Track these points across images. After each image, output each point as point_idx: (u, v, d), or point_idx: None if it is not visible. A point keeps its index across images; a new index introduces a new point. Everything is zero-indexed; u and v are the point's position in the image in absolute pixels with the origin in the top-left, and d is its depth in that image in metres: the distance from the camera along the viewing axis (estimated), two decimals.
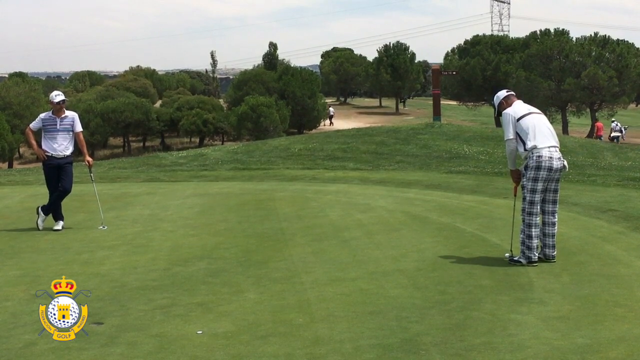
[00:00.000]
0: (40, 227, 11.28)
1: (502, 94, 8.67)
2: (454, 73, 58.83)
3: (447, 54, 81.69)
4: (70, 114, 11.45)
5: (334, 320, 6.28)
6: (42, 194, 15.44)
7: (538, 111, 8.48)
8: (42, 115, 11.49)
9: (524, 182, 8.22)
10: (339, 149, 23.48)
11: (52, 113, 11.37)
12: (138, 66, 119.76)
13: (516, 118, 8.25)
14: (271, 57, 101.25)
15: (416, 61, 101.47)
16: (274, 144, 26.22)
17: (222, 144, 66.50)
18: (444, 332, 5.88)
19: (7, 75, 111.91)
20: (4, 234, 11.03)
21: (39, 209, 11.44)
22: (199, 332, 6.08)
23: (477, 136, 26.58)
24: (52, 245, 10.02)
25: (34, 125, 11.49)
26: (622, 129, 49.95)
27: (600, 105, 67.16)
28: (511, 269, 8.01)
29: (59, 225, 11.25)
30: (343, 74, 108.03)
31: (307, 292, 7.29)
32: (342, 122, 77.23)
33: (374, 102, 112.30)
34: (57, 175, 11.33)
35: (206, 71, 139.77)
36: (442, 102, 34.72)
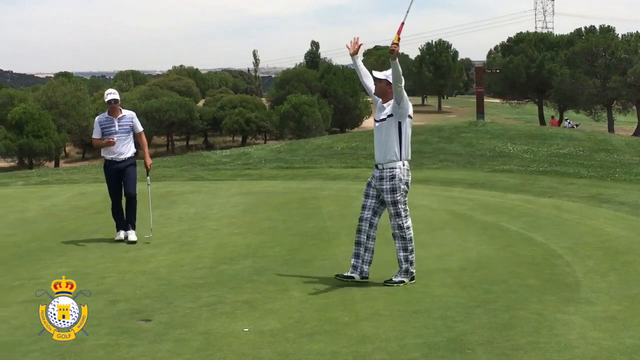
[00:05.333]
0: (120, 237, 10.40)
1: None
2: (498, 71, 58.36)
3: (490, 52, 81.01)
4: (128, 113, 10.54)
5: (379, 319, 6.30)
6: (89, 192, 15.72)
7: None
8: (98, 118, 10.53)
9: (398, 197, 7.43)
10: None
11: (108, 114, 10.39)
12: (181, 65, 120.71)
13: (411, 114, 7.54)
14: (313, 55, 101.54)
15: (459, 59, 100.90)
16: (317, 143, 26.27)
17: (265, 142, 66.81)
18: (489, 332, 5.86)
19: (53, 75, 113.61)
20: (53, 232, 11.21)
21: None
22: (245, 329, 6.13)
23: (521, 134, 26.35)
24: (100, 243, 10.17)
25: (96, 134, 10.42)
26: None
27: None
28: (558, 268, 7.95)
29: (132, 235, 10.33)
30: None
31: (351, 290, 7.31)
32: None
33: (416, 100, 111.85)
34: (119, 179, 10.44)
35: (248, 70, 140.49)
36: (485, 100, 34.46)
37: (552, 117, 69.19)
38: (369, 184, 7.70)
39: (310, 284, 7.57)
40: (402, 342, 5.67)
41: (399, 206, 7.47)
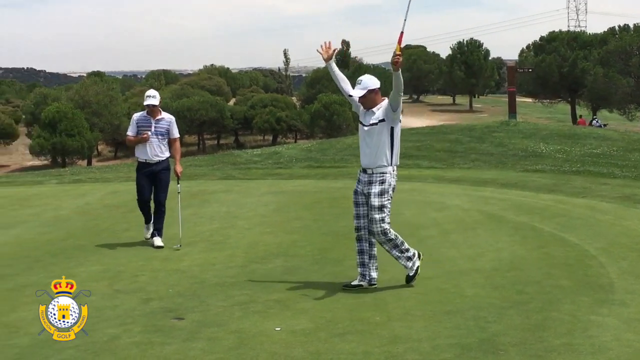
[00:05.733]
0: (148, 236, 10.26)
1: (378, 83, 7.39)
2: (530, 70, 57.99)
3: (522, 51, 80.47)
4: (167, 116, 10.19)
5: (411, 319, 6.29)
6: (121, 191, 15.83)
7: None
8: (135, 116, 10.20)
9: (385, 202, 7.28)
10: (413, 147, 23.38)
11: (147, 113, 10.07)
12: (212, 65, 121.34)
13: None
14: (344, 54, 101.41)
15: (490, 58, 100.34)
16: (348, 142, 26.23)
17: (295, 141, 66.87)
18: (522, 333, 5.83)
19: (85, 75, 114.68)
20: (86, 231, 11.31)
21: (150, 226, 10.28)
22: (277, 328, 6.15)
23: (553, 134, 26.15)
24: (133, 242, 10.24)
25: (131, 131, 10.13)
26: None
27: None
28: (591, 269, 7.88)
29: (159, 241, 10.00)
30: (416, 71, 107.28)
31: (383, 290, 7.31)
32: (414, 119, 76.85)
33: (447, 99, 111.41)
34: (150, 182, 10.11)
35: (279, 69, 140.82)
36: (517, 99, 34.22)
37: (580, 116, 68.70)
38: (356, 192, 7.49)
39: (341, 284, 7.57)
40: (434, 343, 5.65)
41: (385, 210, 7.27)
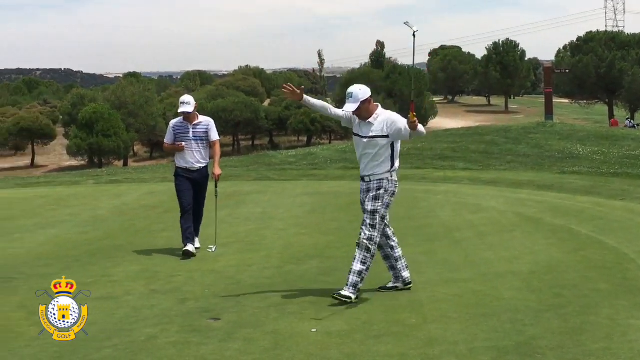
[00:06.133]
0: (186, 247, 9.56)
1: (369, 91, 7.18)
2: (567, 71, 57.53)
3: (558, 51, 79.77)
4: (204, 119, 9.89)
5: (447, 322, 6.26)
6: (157, 191, 15.97)
7: None
8: (172, 123, 9.93)
9: (378, 206, 7.09)
10: (448, 148, 23.30)
11: (184, 119, 9.78)
12: (247, 65, 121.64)
13: None
14: (378, 55, 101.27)
15: (526, 59, 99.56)
16: None
17: (330, 142, 66.89)
18: (560, 337, 5.78)
19: (121, 76, 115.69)
20: (123, 231, 11.43)
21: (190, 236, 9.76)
22: (313, 330, 6.16)
23: (591, 135, 25.91)
24: (169, 242, 10.31)
25: (167, 138, 9.87)
26: None
27: None
28: (630, 272, 7.79)
29: (196, 242, 9.83)
30: (451, 72, 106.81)
31: (419, 292, 7.29)
32: (449, 120, 76.51)
33: (482, 100, 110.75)
34: (191, 190, 9.74)
35: (313, 70, 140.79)
36: (553, 100, 33.95)
37: (613, 117, 68.09)
38: (362, 202, 7.33)
39: (377, 286, 7.56)
40: (470, 345, 5.63)
41: (377, 217, 7.08)
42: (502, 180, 16.40)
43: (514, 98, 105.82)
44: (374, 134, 7.11)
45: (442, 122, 77.35)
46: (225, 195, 14.60)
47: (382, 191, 7.13)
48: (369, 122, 7.14)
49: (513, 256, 8.78)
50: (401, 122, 7.04)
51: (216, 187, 10.00)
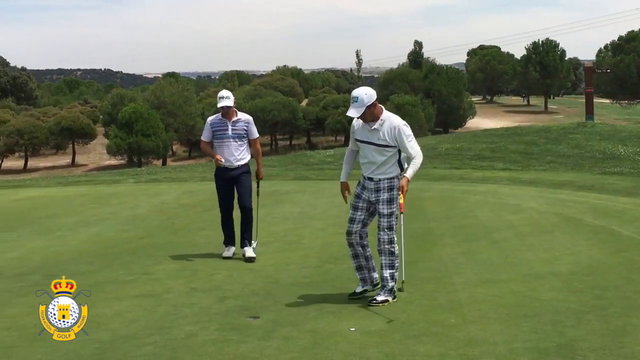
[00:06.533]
0: (228, 255, 9.43)
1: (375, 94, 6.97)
2: (608, 71, 56.88)
3: (599, 51, 79.11)
4: (243, 117, 9.49)
5: (487, 322, 6.23)
6: (196, 190, 16.08)
7: None
8: (210, 120, 9.50)
9: (394, 209, 7.11)
10: (487, 148, 23.14)
11: (222, 116, 9.35)
12: (284, 65, 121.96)
13: None
14: (416, 55, 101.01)
15: (566, 58, 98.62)
16: (421, 143, 25.80)
17: None
18: (601, 338, 5.72)
19: (160, 76, 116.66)
20: (163, 229, 11.52)
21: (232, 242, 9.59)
22: (351, 329, 6.17)
23: (632, 136, 25.57)
24: (208, 241, 10.36)
25: (205, 135, 9.50)
26: None
27: None
28: None
29: (250, 251, 9.35)
30: (490, 72, 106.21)
31: (458, 292, 7.26)
32: (488, 121, 76.04)
33: (521, 100, 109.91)
34: (231, 188, 9.46)
35: (351, 70, 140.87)
36: (594, 100, 33.59)
37: None
38: (358, 196, 7.29)
39: (415, 285, 7.54)
40: (510, 346, 5.59)
41: (393, 218, 7.08)
42: (541, 181, 16.26)
43: (553, 98, 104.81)
44: (382, 143, 6.99)
45: (481, 122, 76.93)
46: (264, 195, 14.58)
47: (395, 192, 7.09)
48: (375, 128, 6.96)
49: (553, 257, 8.70)
50: (404, 134, 6.97)
51: (258, 186, 9.82)
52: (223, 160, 9.26)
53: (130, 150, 58.99)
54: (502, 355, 5.43)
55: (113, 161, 61.86)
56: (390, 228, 7.08)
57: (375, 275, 7.37)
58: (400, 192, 7.02)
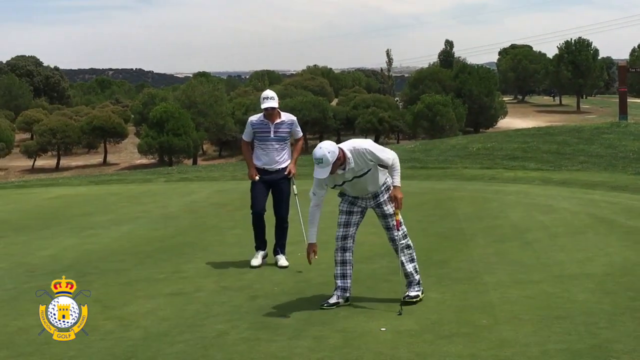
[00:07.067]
0: (256, 264, 8.92)
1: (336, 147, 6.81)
2: None
3: (633, 50, 78.46)
4: (287, 118, 9.07)
5: (519, 323, 6.18)
6: (227, 189, 16.14)
7: None
8: (252, 119, 9.01)
9: (394, 208, 7.15)
10: (519, 148, 22.97)
11: (265, 117, 8.91)
12: (315, 65, 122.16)
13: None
14: (447, 55, 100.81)
15: (599, 57, 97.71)
16: (452, 143, 26.01)
17: (397, 142, 66.78)
18: (635, 340, 5.65)
19: (191, 75, 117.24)
20: (194, 228, 11.58)
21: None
22: (382, 329, 6.15)
23: None
24: (239, 240, 10.38)
25: (246, 135, 9.05)
26: None
27: None
28: None
29: (283, 260, 8.98)
30: (521, 71, 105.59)
31: (489, 293, 7.21)
32: (520, 120, 75.55)
33: (548, 100, 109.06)
34: (266, 192, 9.00)
35: (381, 69, 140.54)
36: (628, 100, 33.25)
37: None
38: (352, 202, 7.26)
39: (446, 286, 7.51)
40: (543, 348, 5.54)
41: (400, 215, 7.13)
42: (574, 181, 16.11)
43: (585, 98, 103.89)
44: (359, 174, 6.93)
45: (512, 122, 76.44)
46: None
47: (390, 191, 7.15)
48: (345, 170, 6.88)
49: (586, 258, 8.61)
50: (373, 151, 6.88)
51: (293, 184, 9.25)
52: (257, 178, 8.92)
53: (161, 150, 59.42)
54: (535, 356, 5.38)
55: (144, 160, 62.34)
56: (401, 223, 7.16)
57: (350, 283, 7.17)
58: (395, 207, 7.10)
